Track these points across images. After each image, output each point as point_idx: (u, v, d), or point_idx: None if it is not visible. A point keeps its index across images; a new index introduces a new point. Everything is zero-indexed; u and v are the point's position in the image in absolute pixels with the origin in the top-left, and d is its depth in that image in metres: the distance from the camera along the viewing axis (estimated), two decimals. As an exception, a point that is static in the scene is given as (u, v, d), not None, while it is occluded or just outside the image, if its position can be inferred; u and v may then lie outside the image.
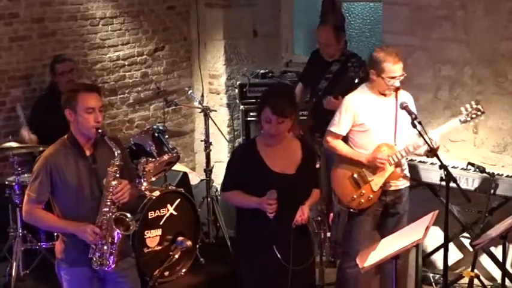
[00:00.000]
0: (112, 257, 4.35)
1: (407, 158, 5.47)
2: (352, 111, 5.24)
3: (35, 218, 4.43)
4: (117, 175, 4.36)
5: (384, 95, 5.26)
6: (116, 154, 4.36)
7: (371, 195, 5.29)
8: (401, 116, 5.24)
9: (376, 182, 5.27)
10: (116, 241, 4.36)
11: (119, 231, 4.35)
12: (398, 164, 5.29)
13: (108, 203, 4.34)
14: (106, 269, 4.37)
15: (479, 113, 5.27)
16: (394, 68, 5.15)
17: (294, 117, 4.69)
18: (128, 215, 4.39)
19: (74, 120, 4.37)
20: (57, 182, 4.34)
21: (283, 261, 4.55)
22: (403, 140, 5.30)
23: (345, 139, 5.35)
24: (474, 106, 5.28)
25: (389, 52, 5.18)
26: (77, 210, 4.37)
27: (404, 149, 5.24)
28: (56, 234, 5.90)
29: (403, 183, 5.40)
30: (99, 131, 4.36)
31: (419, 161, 6.11)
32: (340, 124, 5.27)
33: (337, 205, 5.48)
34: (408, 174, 5.48)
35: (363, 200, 5.29)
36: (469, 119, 5.29)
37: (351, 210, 5.31)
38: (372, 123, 5.25)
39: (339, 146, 5.31)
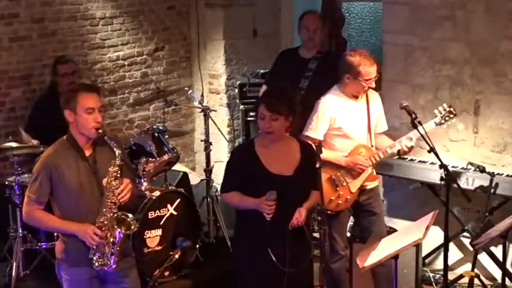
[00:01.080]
0: (113, 257, 4.34)
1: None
2: (328, 115, 5.26)
3: (35, 219, 4.42)
4: (118, 175, 4.36)
5: (356, 97, 5.30)
6: (117, 154, 4.35)
7: (349, 197, 5.32)
8: (373, 117, 5.33)
9: (355, 183, 5.31)
10: (117, 241, 4.35)
11: (120, 230, 4.35)
12: (373, 166, 5.35)
13: (109, 203, 4.34)
14: (107, 269, 4.36)
15: (451, 115, 5.38)
16: (370, 70, 5.20)
17: (291, 119, 4.65)
18: (130, 215, 4.39)
19: (73, 120, 4.36)
20: (57, 183, 4.33)
21: (278, 263, 4.53)
22: (375, 141, 5.39)
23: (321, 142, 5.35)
24: (447, 109, 5.39)
25: (364, 55, 5.22)
26: (77, 211, 4.36)
27: (382, 151, 5.32)
28: (56, 234, 5.90)
29: (374, 182, 5.44)
30: (100, 131, 4.35)
31: (420, 161, 6.11)
32: (317, 128, 5.28)
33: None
34: (375, 172, 5.53)
35: (340, 202, 5.31)
36: (443, 121, 5.39)
37: (328, 212, 5.28)
38: (348, 126, 5.29)
39: None
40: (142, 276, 5.52)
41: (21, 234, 5.92)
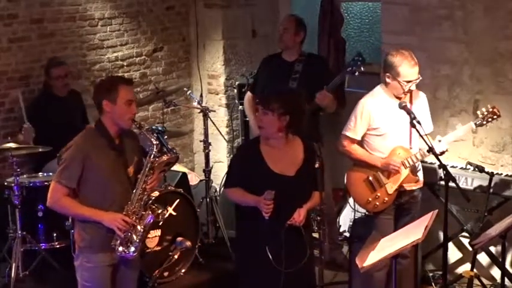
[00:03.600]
0: (137, 244, 4.43)
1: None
2: (367, 116, 5.22)
3: (62, 205, 4.47)
4: (155, 165, 4.51)
5: (399, 98, 5.22)
6: (154, 144, 4.51)
7: (386, 198, 5.28)
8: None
9: (391, 185, 5.27)
10: (146, 223, 4.46)
11: (152, 215, 4.46)
12: (413, 167, 5.29)
13: (140, 192, 4.45)
14: (128, 255, 4.44)
15: (495, 116, 5.28)
16: (410, 72, 5.14)
17: (288, 121, 4.63)
18: (160, 207, 4.55)
19: (110, 111, 4.45)
20: (88, 170, 4.41)
21: (274, 262, 4.54)
22: (418, 143, 5.28)
23: (360, 142, 5.33)
24: (490, 110, 5.29)
25: (405, 55, 5.15)
26: (103, 199, 4.44)
27: (419, 152, 5.24)
28: (55, 234, 5.94)
29: (416, 185, 5.40)
30: (136, 122, 4.52)
31: (419, 161, 6.11)
32: (355, 128, 5.26)
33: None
34: (422, 177, 5.46)
35: (378, 203, 5.28)
36: (484, 122, 5.30)
37: (367, 213, 5.31)
38: (388, 126, 5.23)
39: (355, 149, 5.30)
40: (142, 277, 5.52)
41: (20, 235, 5.91)
